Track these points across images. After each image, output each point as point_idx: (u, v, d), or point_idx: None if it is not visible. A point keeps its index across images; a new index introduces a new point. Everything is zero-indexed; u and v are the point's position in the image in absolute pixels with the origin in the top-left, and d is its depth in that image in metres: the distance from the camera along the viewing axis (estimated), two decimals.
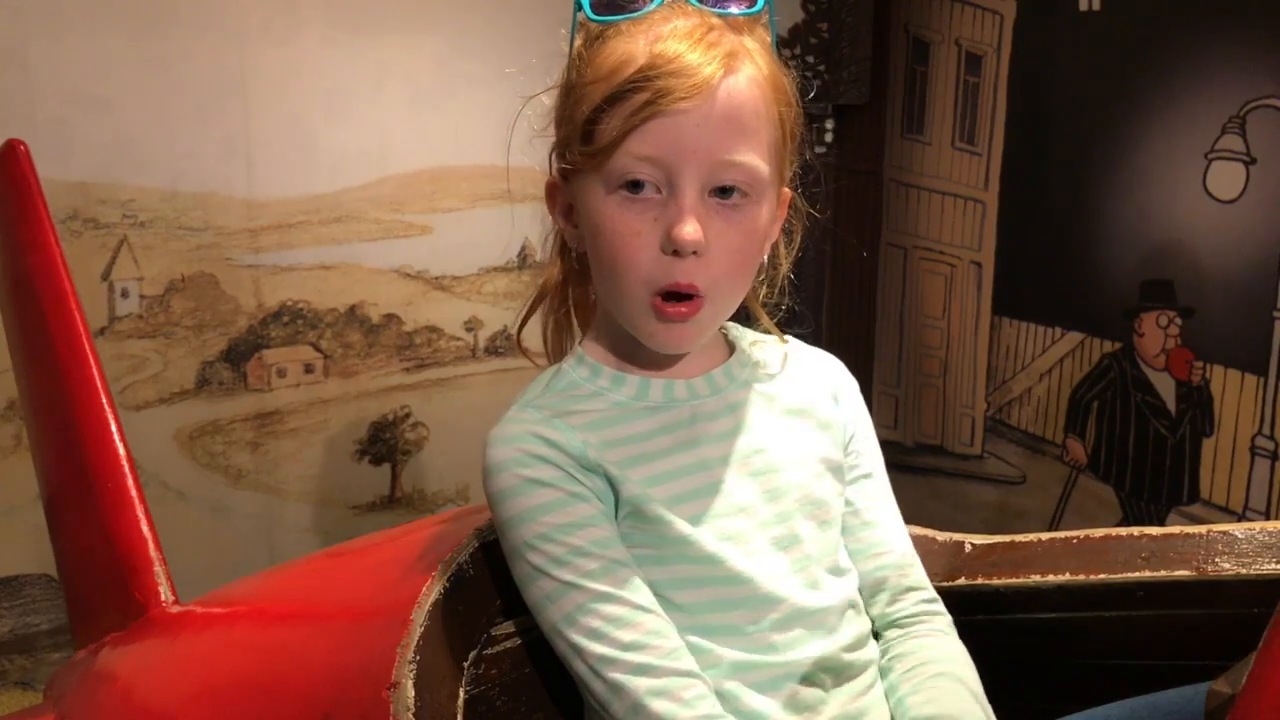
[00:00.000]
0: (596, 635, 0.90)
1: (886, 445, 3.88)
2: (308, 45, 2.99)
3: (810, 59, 3.51)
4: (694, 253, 0.93)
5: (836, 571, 1.03)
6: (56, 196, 2.65)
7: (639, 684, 0.87)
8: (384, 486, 3.25)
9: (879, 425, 3.92)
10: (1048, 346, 3.25)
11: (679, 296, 0.95)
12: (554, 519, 0.93)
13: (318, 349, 3.14)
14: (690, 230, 0.91)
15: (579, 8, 0.97)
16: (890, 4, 3.59)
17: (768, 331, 1.15)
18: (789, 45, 3.47)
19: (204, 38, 2.86)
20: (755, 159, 0.94)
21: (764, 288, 1.12)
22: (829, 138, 3.84)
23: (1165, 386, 2.93)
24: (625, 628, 0.89)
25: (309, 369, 3.14)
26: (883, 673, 1.04)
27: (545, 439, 0.95)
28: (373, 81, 3.09)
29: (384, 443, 3.21)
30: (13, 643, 2.88)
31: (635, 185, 0.93)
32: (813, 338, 3.86)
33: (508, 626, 1.05)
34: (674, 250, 0.92)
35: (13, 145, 1.72)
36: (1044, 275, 3.26)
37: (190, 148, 2.88)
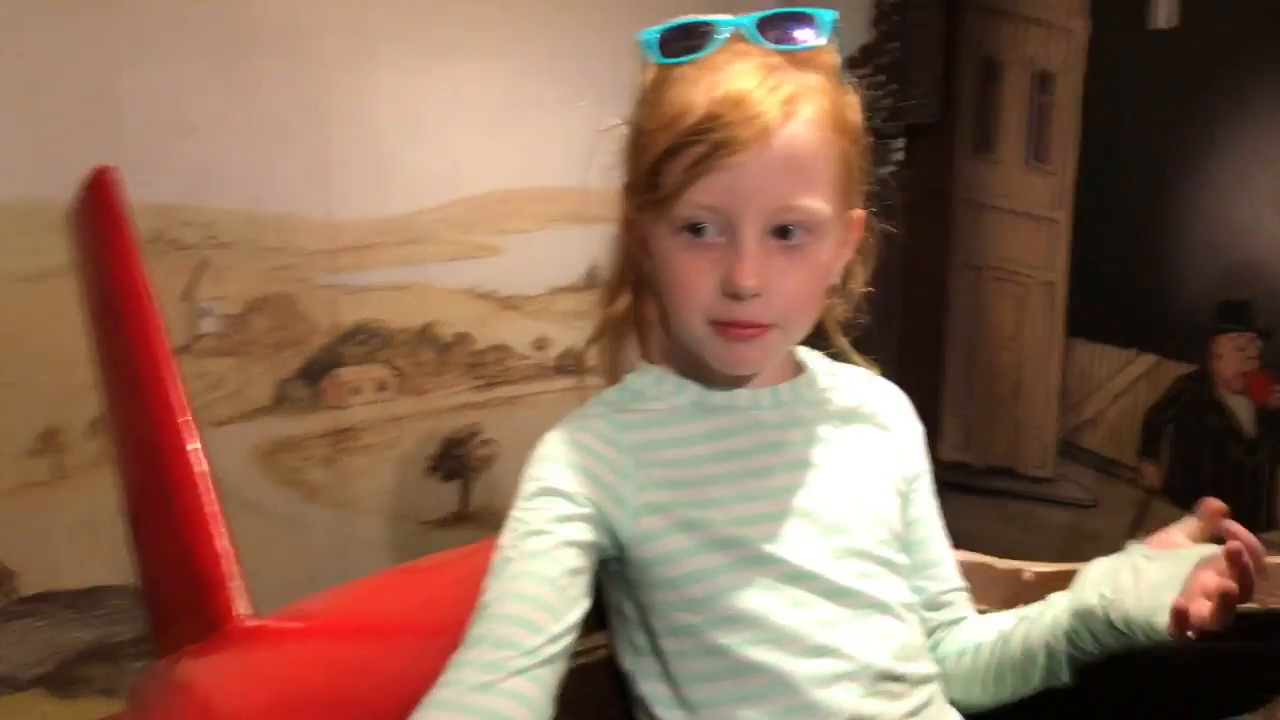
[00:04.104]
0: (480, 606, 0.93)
1: (957, 467, 3.84)
2: (384, 71, 3.06)
3: (881, 78, 3.51)
4: (755, 294, 0.94)
5: (886, 565, 1.03)
6: (141, 219, 2.71)
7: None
8: (455, 502, 3.30)
9: (950, 447, 3.87)
10: (1122, 368, 3.21)
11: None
12: (537, 505, 0.95)
13: (391, 367, 3.21)
14: (748, 279, 0.93)
15: (645, 48, 0.99)
16: (961, 24, 3.58)
17: (844, 354, 1.16)
18: (859, 65, 3.47)
19: (284, 64, 2.94)
20: (815, 201, 0.95)
21: (840, 305, 1.13)
22: (899, 157, 3.84)
23: (1243, 410, 2.87)
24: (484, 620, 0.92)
25: (382, 387, 3.21)
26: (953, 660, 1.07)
27: (592, 441, 0.98)
28: (446, 106, 3.15)
29: (455, 459, 3.26)
30: (96, 651, 2.97)
31: (697, 229, 0.95)
32: (884, 358, 3.83)
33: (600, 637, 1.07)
34: (733, 293, 0.94)
35: (102, 172, 1.79)
36: (1118, 296, 3.22)
37: (270, 171, 2.97)
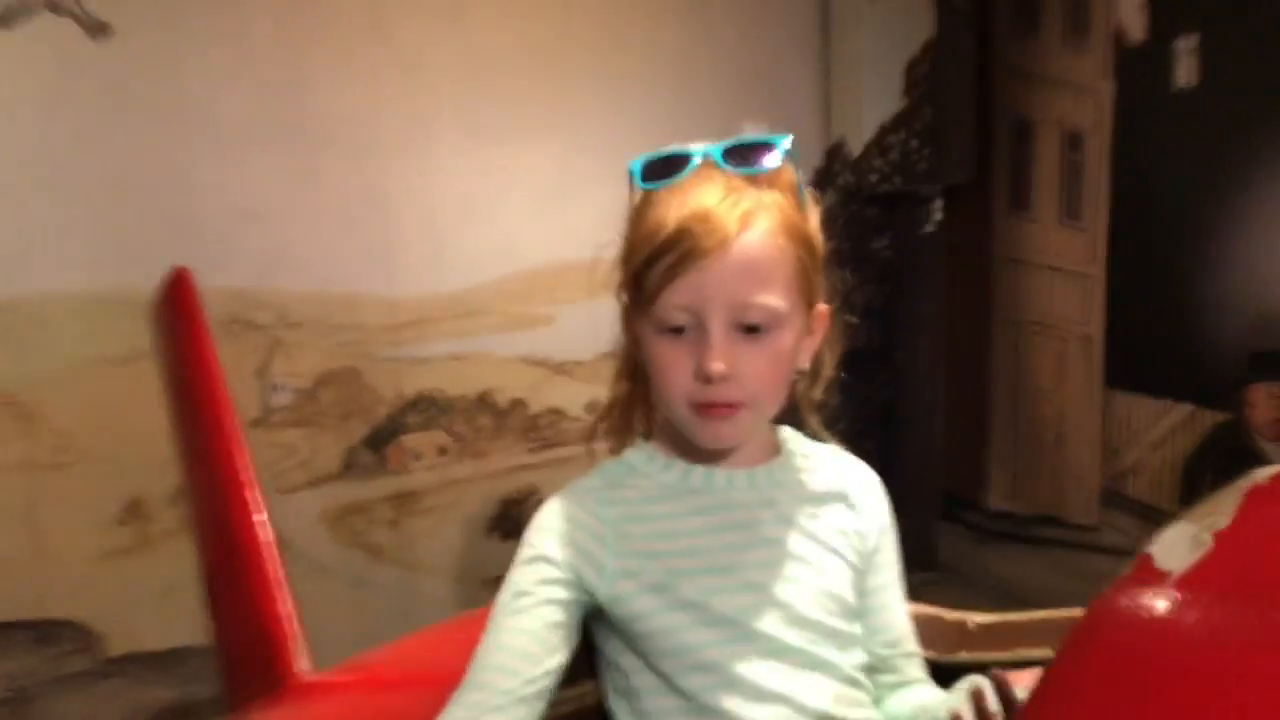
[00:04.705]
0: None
1: (1004, 516, 3.89)
2: (440, 156, 3.27)
3: (914, 143, 3.63)
4: (724, 378, 1.08)
5: (833, 634, 1.16)
6: (218, 302, 2.96)
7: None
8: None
9: (998, 496, 3.94)
10: (1159, 418, 3.27)
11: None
12: (527, 571, 1.12)
13: (451, 433, 3.38)
14: (716, 365, 1.07)
15: (631, 176, 1.14)
16: (992, 87, 3.70)
17: (817, 435, 1.28)
18: (892, 131, 3.61)
19: (347, 154, 3.16)
20: (772, 299, 1.09)
21: (815, 390, 1.25)
22: (938, 216, 3.95)
23: (1279, 457, 2.92)
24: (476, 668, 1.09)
25: (443, 452, 3.38)
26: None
27: (581, 514, 1.12)
28: (499, 185, 3.34)
29: (512, 519, 3.41)
30: (178, 710, 3.15)
31: (675, 329, 1.09)
32: (929, 414, 3.91)
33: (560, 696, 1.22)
34: (706, 378, 1.08)
35: (180, 272, 1.99)
36: (1153, 347, 3.28)
37: (336, 253, 3.17)
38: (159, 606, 3.06)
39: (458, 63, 3.23)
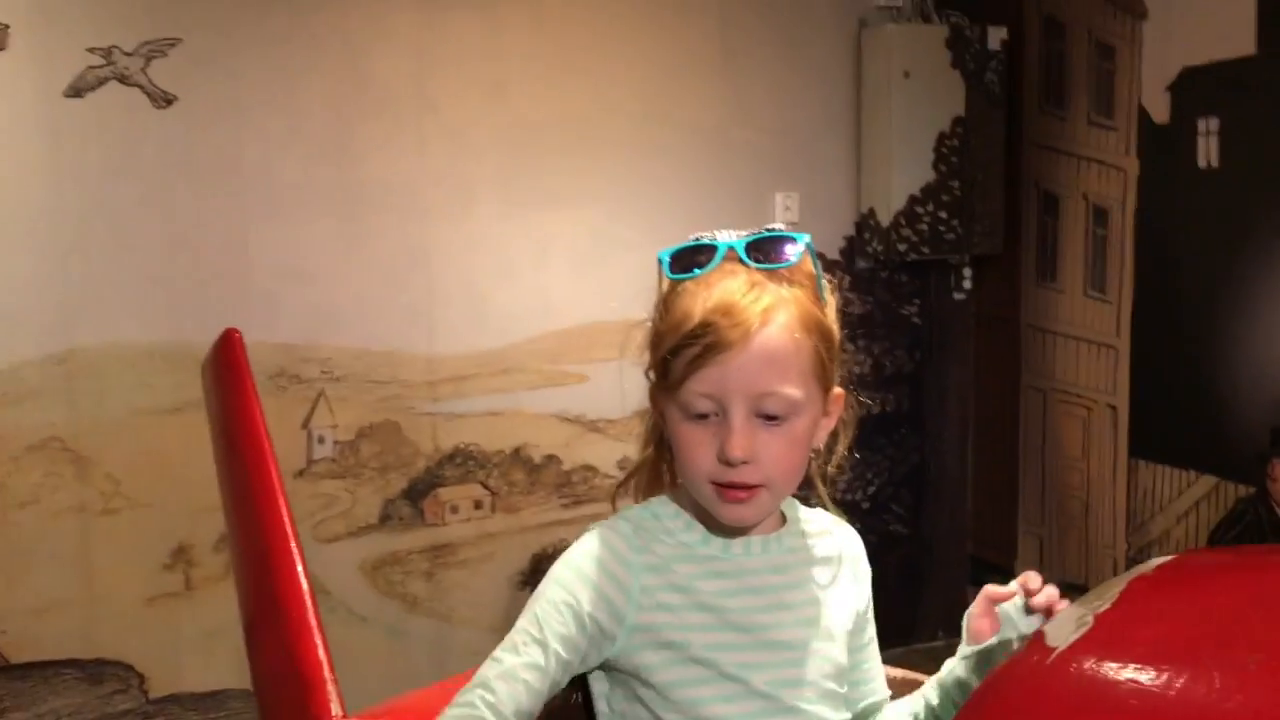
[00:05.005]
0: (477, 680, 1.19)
1: None
2: (482, 220, 3.40)
3: (943, 215, 3.72)
4: (745, 462, 1.17)
5: (828, 695, 1.24)
6: (266, 356, 3.11)
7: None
8: None
9: (1025, 565, 3.98)
10: (1184, 489, 3.31)
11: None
12: (552, 615, 1.20)
13: (486, 487, 3.48)
14: (736, 452, 1.16)
15: (661, 266, 1.24)
16: (1020, 161, 3.79)
17: (823, 504, 1.37)
18: (921, 203, 3.70)
19: (393, 218, 3.30)
20: (790, 389, 1.17)
21: (829, 466, 1.34)
22: (967, 284, 4.03)
23: None
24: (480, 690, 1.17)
25: (478, 505, 3.48)
26: None
27: (612, 561, 1.21)
28: (538, 249, 3.47)
29: (544, 574, 3.49)
30: None
31: (699, 415, 1.18)
32: (958, 479, 3.95)
33: None
34: (727, 461, 1.17)
35: (230, 334, 2.11)
36: (1177, 419, 3.33)
37: (380, 312, 3.31)
38: (202, 649, 3.18)
39: (500, 133, 3.37)
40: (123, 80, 2.95)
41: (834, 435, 1.30)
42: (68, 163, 2.94)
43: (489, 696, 1.15)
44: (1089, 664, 0.70)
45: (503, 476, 3.51)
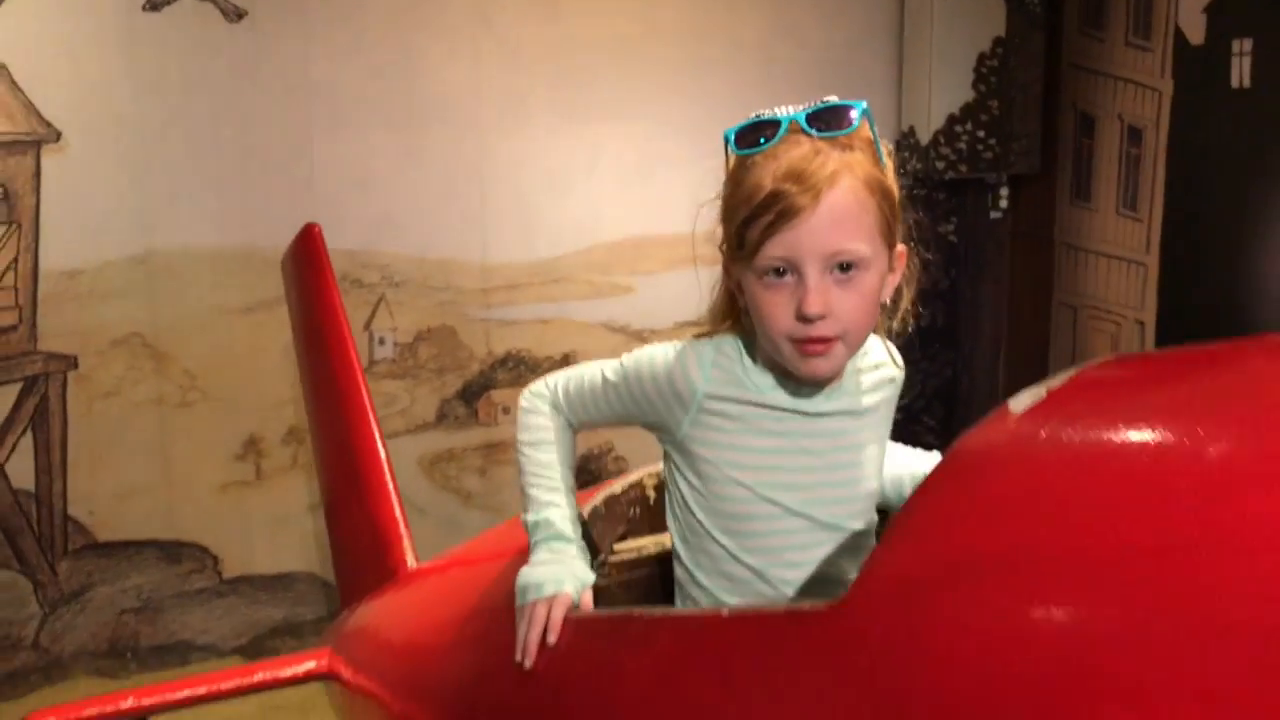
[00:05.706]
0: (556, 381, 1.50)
1: None
2: (533, 134, 3.54)
3: (981, 134, 3.82)
4: (821, 317, 1.30)
5: (864, 511, 1.40)
6: (332, 262, 3.27)
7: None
8: None
9: None
10: None
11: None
12: (633, 380, 1.39)
13: None
14: (813, 306, 1.27)
15: (727, 143, 1.36)
16: (1058, 82, 3.87)
17: (891, 354, 1.50)
18: (960, 121, 3.80)
19: (449, 131, 3.45)
20: (858, 244, 1.28)
21: (894, 321, 1.46)
22: (1004, 204, 4.13)
23: None
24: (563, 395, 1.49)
25: None
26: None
27: (681, 378, 1.35)
28: (587, 162, 3.61)
29: (590, 473, 3.68)
30: (284, 628, 3.48)
31: (775, 273, 1.31)
32: (989, 393, 4.07)
33: (624, 546, 1.51)
34: (805, 318, 1.30)
35: (310, 228, 2.29)
36: (1203, 334, 3.41)
37: (436, 221, 3.47)
38: (271, 534, 3.40)
39: (553, 49, 3.49)
40: None
41: (898, 291, 1.38)
42: (146, 75, 3.10)
43: (557, 384, 1.47)
44: (1041, 422, 0.86)
45: None
